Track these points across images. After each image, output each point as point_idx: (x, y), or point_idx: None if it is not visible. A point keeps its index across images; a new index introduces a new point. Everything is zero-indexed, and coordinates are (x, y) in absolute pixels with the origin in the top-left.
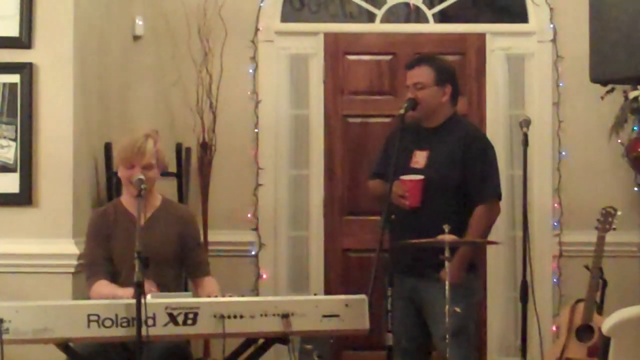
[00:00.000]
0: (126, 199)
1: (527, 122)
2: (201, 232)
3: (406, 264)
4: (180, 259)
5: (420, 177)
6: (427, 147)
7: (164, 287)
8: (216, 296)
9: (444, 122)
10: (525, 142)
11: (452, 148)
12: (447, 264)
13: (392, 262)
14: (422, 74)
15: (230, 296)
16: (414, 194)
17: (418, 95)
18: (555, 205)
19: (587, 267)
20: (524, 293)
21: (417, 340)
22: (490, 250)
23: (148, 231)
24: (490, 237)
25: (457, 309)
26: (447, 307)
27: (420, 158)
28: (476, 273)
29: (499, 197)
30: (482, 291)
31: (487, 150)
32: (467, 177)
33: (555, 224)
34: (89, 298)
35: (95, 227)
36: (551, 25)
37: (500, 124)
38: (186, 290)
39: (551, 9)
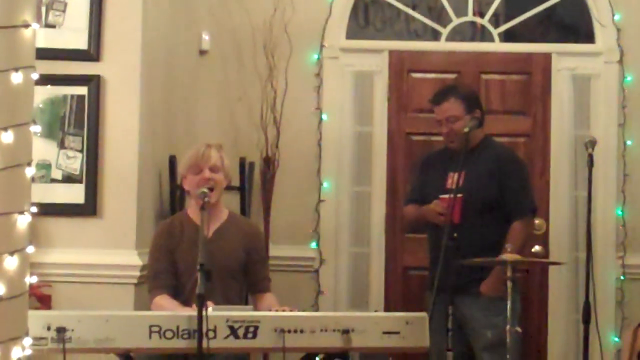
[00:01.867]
0: (193, 211)
1: (592, 143)
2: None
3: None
4: (244, 272)
5: (459, 195)
6: (461, 169)
7: (227, 300)
8: (277, 310)
9: (477, 144)
10: (591, 163)
11: (488, 167)
12: (509, 284)
13: (433, 279)
14: (452, 107)
15: (291, 310)
16: (453, 211)
17: (454, 128)
18: (620, 227)
19: None
20: (587, 314)
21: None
22: (552, 271)
23: (214, 244)
24: (553, 258)
25: (519, 329)
26: (508, 326)
27: (454, 179)
28: (514, 287)
29: (535, 213)
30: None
31: (520, 168)
32: (503, 194)
33: (619, 245)
34: (150, 309)
35: (161, 239)
36: (618, 46)
37: (565, 145)
38: (246, 304)
39: (618, 30)
